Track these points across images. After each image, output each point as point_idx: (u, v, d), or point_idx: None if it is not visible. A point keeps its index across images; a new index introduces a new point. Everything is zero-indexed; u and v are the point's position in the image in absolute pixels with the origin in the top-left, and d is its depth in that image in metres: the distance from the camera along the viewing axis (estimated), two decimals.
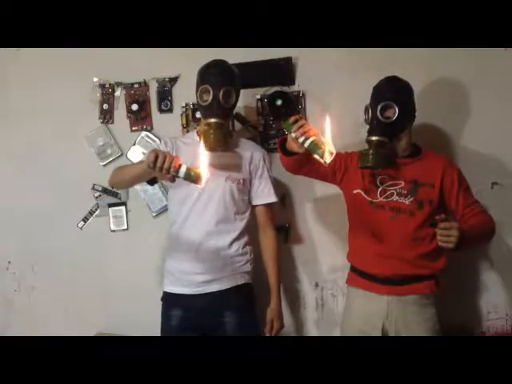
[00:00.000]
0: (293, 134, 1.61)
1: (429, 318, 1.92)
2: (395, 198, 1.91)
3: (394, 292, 1.91)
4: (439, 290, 1.95)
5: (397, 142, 1.92)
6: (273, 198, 2.07)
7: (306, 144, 1.58)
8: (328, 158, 1.54)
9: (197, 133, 2.06)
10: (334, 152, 1.54)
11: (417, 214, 1.90)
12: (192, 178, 1.58)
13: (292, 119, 1.62)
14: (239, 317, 1.97)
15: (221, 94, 1.89)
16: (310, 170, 1.92)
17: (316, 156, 1.56)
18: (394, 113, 1.85)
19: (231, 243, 1.98)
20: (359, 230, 1.98)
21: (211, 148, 1.83)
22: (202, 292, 1.96)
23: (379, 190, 1.93)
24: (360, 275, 1.97)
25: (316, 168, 1.87)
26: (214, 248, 1.96)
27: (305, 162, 1.79)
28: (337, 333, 2.21)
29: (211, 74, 1.93)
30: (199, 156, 1.60)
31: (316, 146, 1.56)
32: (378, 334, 1.91)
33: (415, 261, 1.90)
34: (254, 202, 2.06)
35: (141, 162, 1.85)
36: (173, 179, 1.63)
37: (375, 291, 1.93)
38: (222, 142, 1.87)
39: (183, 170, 1.59)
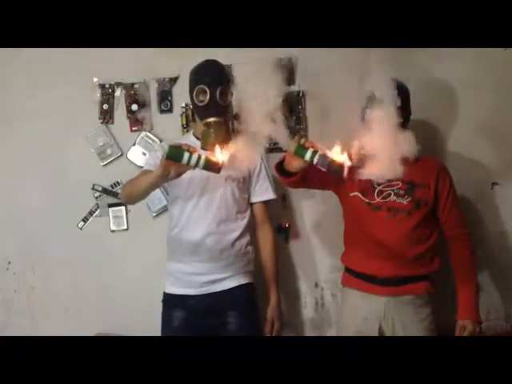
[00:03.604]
0: (308, 157, 1.58)
1: (424, 317, 1.94)
2: (392, 198, 1.92)
3: (390, 293, 1.92)
4: (434, 290, 1.97)
5: None
6: (271, 195, 2.08)
7: (320, 162, 1.55)
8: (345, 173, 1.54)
9: (193, 134, 2.06)
10: (349, 163, 1.54)
11: (414, 214, 1.91)
12: (211, 166, 1.59)
13: (300, 141, 1.60)
14: (242, 317, 1.97)
15: (217, 92, 1.89)
16: (310, 183, 1.92)
17: (335, 173, 1.55)
18: None
19: (234, 243, 1.98)
20: (356, 231, 1.99)
21: (213, 147, 1.79)
22: (206, 292, 1.97)
23: (376, 190, 1.93)
24: (356, 276, 1.98)
25: (316, 179, 1.87)
26: (217, 248, 1.96)
27: (305, 178, 1.79)
28: (335, 333, 2.21)
29: (206, 74, 1.93)
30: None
31: (334, 164, 1.54)
32: (375, 334, 1.92)
33: (412, 261, 1.92)
34: (252, 200, 2.07)
35: (147, 172, 1.86)
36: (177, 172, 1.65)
37: (372, 292, 1.94)
38: (223, 140, 1.86)
39: (202, 159, 1.59)
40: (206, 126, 1.90)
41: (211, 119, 1.88)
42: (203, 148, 1.86)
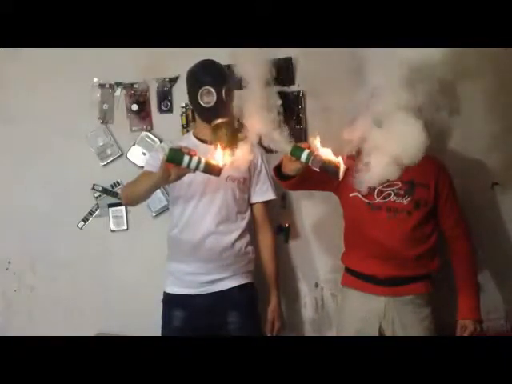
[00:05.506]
0: (304, 158, 1.58)
1: (424, 317, 1.94)
2: (392, 198, 1.93)
3: (391, 293, 1.92)
4: (434, 289, 1.97)
5: None
6: (271, 196, 2.08)
7: (315, 163, 1.56)
8: (341, 174, 1.55)
9: (193, 135, 2.05)
10: (345, 166, 1.55)
11: (414, 213, 1.91)
12: (211, 169, 1.59)
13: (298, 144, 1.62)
14: (242, 316, 1.97)
15: (223, 92, 1.89)
16: (309, 185, 1.93)
17: (330, 173, 1.56)
18: None
19: (234, 243, 1.98)
20: (356, 232, 1.99)
21: (227, 148, 1.74)
22: (206, 292, 1.97)
23: (376, 190, 1.93)
24: (356, 276, 1.99)
25: (314, 181, 1.88)
26: (217, 248, 1.96)
27: (303, 180, 1.79)
28: (335, 333, 2.21)
29: (209, 75, 1.92)
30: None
31: (329, 164, 1.55)
32: (375, 334, 1.93)
33: (412, 261, 1.92)
34: (252, 200, 2.07)
35: (147, 173, 1.86)
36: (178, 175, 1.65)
37: (372, 292, 1.94)
38: (234, 139, 1.84)
39: (202, 163, 1.59)
40: (215, 128, 1.88)
41: (220, 120, 1.87)
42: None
